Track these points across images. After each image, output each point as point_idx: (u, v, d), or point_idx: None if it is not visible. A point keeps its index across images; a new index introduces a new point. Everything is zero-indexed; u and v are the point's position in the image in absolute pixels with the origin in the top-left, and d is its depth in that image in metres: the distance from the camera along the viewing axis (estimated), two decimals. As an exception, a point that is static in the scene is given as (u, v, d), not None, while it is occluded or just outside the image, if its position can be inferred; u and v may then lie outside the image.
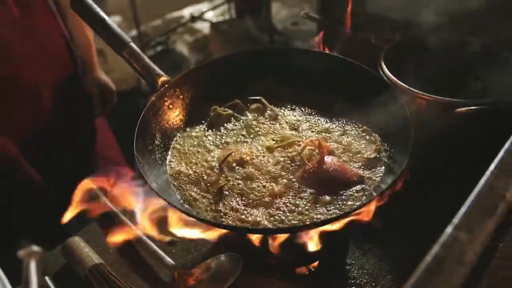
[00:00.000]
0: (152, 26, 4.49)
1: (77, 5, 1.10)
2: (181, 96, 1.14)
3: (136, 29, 3.89)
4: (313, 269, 1.07)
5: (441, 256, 0.45)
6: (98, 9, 1.11)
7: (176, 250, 1.18)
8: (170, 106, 1.12)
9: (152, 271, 1.13)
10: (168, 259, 1.09)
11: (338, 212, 0.88)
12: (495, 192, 0.53)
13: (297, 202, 0.92)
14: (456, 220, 0.51)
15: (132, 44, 1.10)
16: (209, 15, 4.74)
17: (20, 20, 1.48)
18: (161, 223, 1.16)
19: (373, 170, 0.98)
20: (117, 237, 1.13)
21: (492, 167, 0.59)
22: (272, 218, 0.89)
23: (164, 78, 1.10)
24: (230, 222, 0.89)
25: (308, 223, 0.87)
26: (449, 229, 0.50)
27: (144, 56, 1.10)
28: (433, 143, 1.13)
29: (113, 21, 1.11)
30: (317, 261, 1.08)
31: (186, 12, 4.77)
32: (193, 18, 4.49)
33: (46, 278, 1.10)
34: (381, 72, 1.22)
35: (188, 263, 1.13)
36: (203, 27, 4.48)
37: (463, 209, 0.52)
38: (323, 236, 1.00)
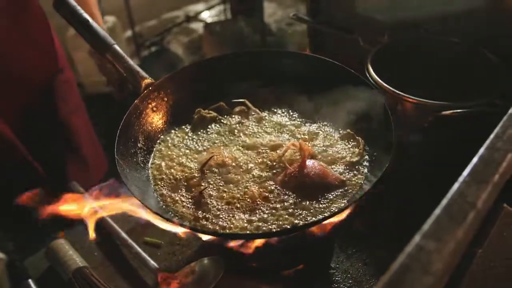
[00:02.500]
0: (147, 26, 4.47)
1: (60, 6, 1.09)
2: (165, 99, 1.14)
3: (131, 30, 3.88)
4: (296, 273, 1.07)
5: (406, 265, 0.45)
6: (81, 11, 1.10)
7: (161, 253, 1.17)
8: (154, 109, 1.12)
9: (137, 274, 1.12)
10: (152, 262, 1.08)
11: (319, 216, 0.88)
12: (465, 200, 0.52)
13: (278, 206, 0.91)
14: (425, 228, 0.50)
15: (116, 46, 1.10)
16: (205, 15, 4.73)
17: (14, 15, 1.47)
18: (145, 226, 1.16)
19: (355, 173, 0.97)
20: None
21: (465, 173, 0.58)
22: (252, 222, 0.89)
23: (148, 80, 1.09)
24: (210, 227, 0.88)
25: (288, 227, 0.86)
26: (417, 238, 0.49)
27: (128, 58, 1.10)
28: (418, 146, 1.12)
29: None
30: (301, 265, 1.07)
31: (181, 12, 4.75)
32: (188, 18, 4.48)
33: (30, 281, 1.09)
34: (367, 75, 1.22)
35: (173, 266, 1.12)
36: (198, 27, 4.47)
37: (432, 217, 0.52)
38: (308, 239, 1.00)
